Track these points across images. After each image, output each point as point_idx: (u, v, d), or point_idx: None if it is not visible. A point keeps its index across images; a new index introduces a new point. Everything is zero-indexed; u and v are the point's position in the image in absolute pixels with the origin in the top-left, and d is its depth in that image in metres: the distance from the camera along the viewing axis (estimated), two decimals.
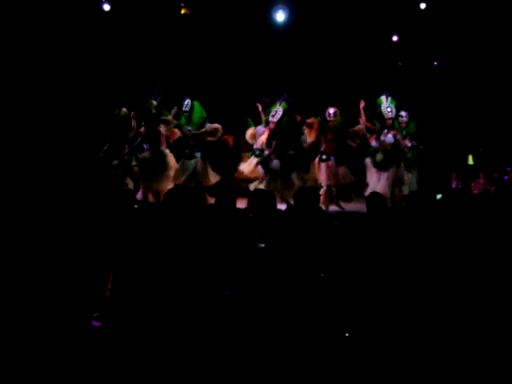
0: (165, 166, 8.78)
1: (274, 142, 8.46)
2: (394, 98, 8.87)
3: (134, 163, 8.83)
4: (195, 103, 8.87)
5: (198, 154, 8.80)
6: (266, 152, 8.51)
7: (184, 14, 10.96)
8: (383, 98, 8.90)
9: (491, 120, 12.08)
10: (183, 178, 8.65)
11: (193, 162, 8.76)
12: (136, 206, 5.72)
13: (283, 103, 8.58)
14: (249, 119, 9.23)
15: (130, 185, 8.68)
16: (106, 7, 10.28)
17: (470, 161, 12.42)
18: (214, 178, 8.90)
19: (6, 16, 9.59)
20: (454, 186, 10.57)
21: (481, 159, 12.14)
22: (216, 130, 8.89)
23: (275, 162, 8.48)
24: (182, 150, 8.92)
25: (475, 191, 9.95)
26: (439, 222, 4.52)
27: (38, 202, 6.10)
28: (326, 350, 3.22)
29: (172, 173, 8.84)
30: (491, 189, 9.89)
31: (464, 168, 11.98)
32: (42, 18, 9.88)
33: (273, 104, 8.69)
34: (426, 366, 3.09)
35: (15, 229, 4.73)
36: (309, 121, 8.62)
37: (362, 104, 8.72)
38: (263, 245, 3.95)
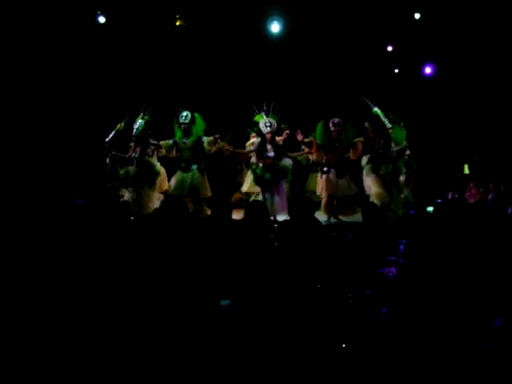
0: (152, 176, 8.77)
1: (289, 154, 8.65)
2: (387, 109, 8.94)
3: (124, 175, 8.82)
4: (196, 115, 8.76)
5: (194, 167, 8.75)
6: (260, 164, 8.53)
7: (179, 25, 10.98)
8: (377, 109, 8.97)
9: (487, 129, 12.13)
10: (179, 191, 8.59)
11: (189, 174, 8.68)
12: (132, 218, 5.72)
13: (271, 115, 8.59)
14: (248, 130, 9.25)
15: (126, 196, 8.67)
16: (101, 19, 10.30)
17: (466, 170, 12.45)
18: (208, 191, 8.83)
19: (2, 29, 9.60)
20: (449, 195, 10.58)
21: (476, 168, 12.18)
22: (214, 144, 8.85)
23: (288, 160, 8.58)
24: (177, 162, 8.86)
25: (471, 201, 9.96)
26: (436, 231, 4.52)
27: (36, 213, 6.10)
28: (323, 361, 3.21)
29: (159, 183, 8.86)
30: (487, 198, 9.88)
31: (460, 177, 12.01)
32: (38, 31, 9.89)
33: (256, 115, 8.72)
34: (424, 375, 3.09)
35: (13, 238, 4.73)
36: (307, 140, 8.62)
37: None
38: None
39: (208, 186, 8.77)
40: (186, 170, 8.67)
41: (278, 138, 8.62)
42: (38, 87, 10.23)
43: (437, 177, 11.47)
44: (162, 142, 8.85)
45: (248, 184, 8.85)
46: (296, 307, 3.56)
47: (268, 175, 8.30)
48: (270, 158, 8.38)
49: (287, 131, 8.75)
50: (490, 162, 12.04)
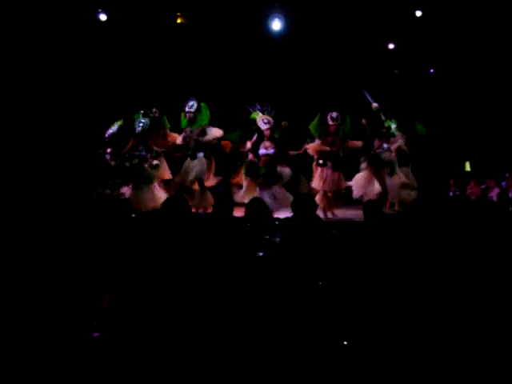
0: (150, 176, 8.82)
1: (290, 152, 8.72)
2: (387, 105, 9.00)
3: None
4: (202, 105, 8.92)
5: (201, 154, 8.84)
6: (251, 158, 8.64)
7: (180, 23, 10.98)
8: (377, 105, 9.01)
9: (488, 126, 12.12)
10: (188, 179, 8.74)
11: (196, 161, 8.79)
12: (133, 216, 5.72)
13: (267, 113, 8.63)
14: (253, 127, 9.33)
15: (127, 194, 8.69)
16: (103, 17, 10.29)
17: (468, 167, 12.44)
18: (216, 177, 8.98)
19: (3, 27, 9.60)
20: (451, 192, 10.60)
21: (478, 165, 12.18)
22: (216, 138, 8.95)
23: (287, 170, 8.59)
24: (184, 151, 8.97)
25: (472, 198, 9.97)
26: (437, 228, 4.52)
27: (35, 210, 6.10)
28: (324, 359, 3.21)
29: (157, 183, 8.91)
30: (489, 195, 9.90)
31: (461, 174, 12.01)
32: (39, 29, 9.89)
33: (251, 112, 8.77)
34: (424, 373, 3.08)
35: (12, 237, 4.73)
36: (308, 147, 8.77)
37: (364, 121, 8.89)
38: (261, 253, 3.94)
39: (213, 174, 8.90)
40: (193, 157, 8.78)
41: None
42: (39, 85, 10.24)
43: (438, 174, 11.48)
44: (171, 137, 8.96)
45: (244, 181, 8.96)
46: (297, 304, 3.56)
47: (264, 169, 8.35)
48: (268, 155, 8.41)
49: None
50: (491, 159, 12.04)
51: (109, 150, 9.04)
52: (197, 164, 8.81)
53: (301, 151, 9.04)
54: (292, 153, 8.82)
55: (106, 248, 4.30)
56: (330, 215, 8.72)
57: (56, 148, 10.25)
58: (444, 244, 4.10)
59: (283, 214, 7.93)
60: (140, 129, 8.81)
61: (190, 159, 8.90)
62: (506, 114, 11.79)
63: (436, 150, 11.72)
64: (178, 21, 10.95)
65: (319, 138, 8.76)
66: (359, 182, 8.94)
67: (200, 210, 8.86)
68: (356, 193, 8.91)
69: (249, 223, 4.56)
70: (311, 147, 8.77)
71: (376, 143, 8.95)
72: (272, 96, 8.81)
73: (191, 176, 8.78)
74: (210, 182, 8.99)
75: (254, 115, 8.69)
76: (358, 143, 8.87)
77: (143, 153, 8.82)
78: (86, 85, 10.72)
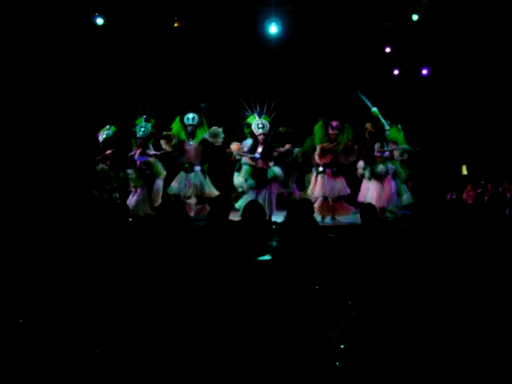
0: (154, 175, 8.80)
1: (274, 153, 8.58)
2: (384, 109, 8.99)
3: (127, 176, 8.83)
4: (203, 119, 8.88)
5: (198, 168, 8.78)
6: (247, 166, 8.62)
7: (177, 27, 10.98)
8: (376, 109, 8.99)
9: (485, 130, 12.14)
10: (183, 192, 8.64)
11: (192, 175, 8.73)
12: (130, 219, 5.72)
13: (264, 116, 8.60)
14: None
15: (130, 198, 8.74)
16: (99, 21, 10.28)
17: (464, 171, 12.47)
18: (214, 190, 8.89)
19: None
20: (448, 196, 10.61)
21: (474, 169, 12.20)
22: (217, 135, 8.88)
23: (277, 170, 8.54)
24: (180, 163, 8.89)
25: (469, 201, 9.99)
26: (434, 232, 4.53)
27: (34, 214, 6.10)
28: (321, 363, 3.20)
29: (161, 183, 8.88)
30: (485, 199, 9.91)
31: (458, 178, 12.03)
32: (35, 31, 9.88)
33: (248, 116, 8.72)
34: (425, 374, 3.08)
35: (11, 240, 4.73)
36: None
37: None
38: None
39: (212, 186, 8.85)
40: (190, 170, 8.71)
41: (281, 149, 8.68)
42: (36, 89, 10.23)
43: (435, 178, 11.50)
44: (165, 133, 8.91)
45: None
46: (294, 308, 3.56)
47: (252, 182, 8.37)
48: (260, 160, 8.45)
49: (288, 145, 8.74)
50: (487, 163, 12.06)
51: (108, 152, 9.11)
52: (195, 179, 8.73)
53: (287, 148, 8.89)
54: (278, 150, 8.71)
55: (103, 251, 4.30)
56: (329, 220, 8.73)
57: (53, 151, 10.23)
58: (440, 247, 4.10)
59: (280, 218, 7.95)
60: (142, 133, 8.84)
61: (185, 172, 8.81)
62: (502, 118, 11.82)
63: (433, 154, 11.73)
64: (175, 25, 10.95)
65: (320, 143, 8.78)
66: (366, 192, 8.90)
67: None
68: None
69: (245, 226, 4.56)
70: (316, 154, 8.77)
71: (377, 147, 8.89)
72: (269, 100, 8.79)
73: (190, 192, 8.68)
74: (209, 194, 8.88)
75: (250, 119, 8.64)
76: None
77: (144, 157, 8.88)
78: (83, 88, 10.71)
